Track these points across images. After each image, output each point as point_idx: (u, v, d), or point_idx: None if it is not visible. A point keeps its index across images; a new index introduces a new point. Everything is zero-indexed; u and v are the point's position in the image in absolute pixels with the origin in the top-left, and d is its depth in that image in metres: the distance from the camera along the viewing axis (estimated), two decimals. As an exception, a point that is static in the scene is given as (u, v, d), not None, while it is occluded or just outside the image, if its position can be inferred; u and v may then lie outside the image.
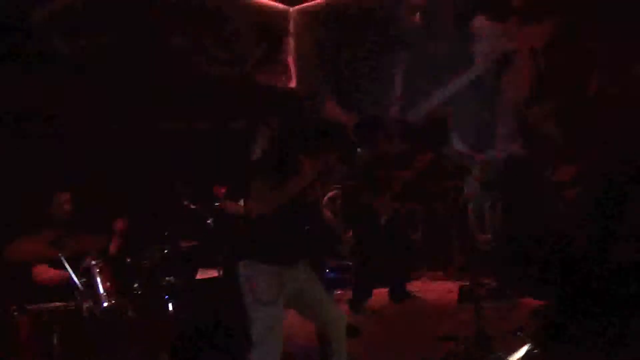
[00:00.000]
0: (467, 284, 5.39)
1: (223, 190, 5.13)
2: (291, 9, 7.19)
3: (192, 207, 4.30)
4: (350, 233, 5.54)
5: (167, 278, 4.15)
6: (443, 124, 6.23)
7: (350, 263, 5.59)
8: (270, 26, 6.90)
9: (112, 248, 4.31)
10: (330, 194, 6.42)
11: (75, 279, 3.60)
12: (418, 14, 6.43)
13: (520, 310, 4.90)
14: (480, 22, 6.07)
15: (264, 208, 2.94)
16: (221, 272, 4.24)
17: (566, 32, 5.62)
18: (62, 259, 3.62)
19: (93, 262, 3.85)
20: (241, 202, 4.06)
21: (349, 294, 5.42)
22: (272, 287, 2.96)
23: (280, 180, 2.95)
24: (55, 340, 3.50)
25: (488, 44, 6.04)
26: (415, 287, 5.82)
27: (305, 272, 3.13)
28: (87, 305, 3.62)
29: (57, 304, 3.67)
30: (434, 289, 5.84)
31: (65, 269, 3.58)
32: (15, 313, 3.57)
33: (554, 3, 5.67)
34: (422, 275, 6.20)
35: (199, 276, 4.58)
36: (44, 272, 3.96)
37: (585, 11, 5.50)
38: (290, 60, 7.18)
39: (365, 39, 6.67)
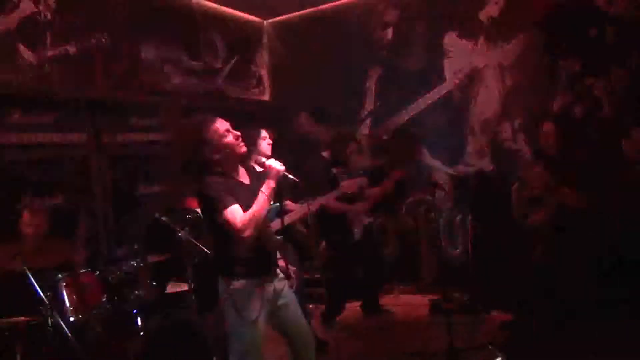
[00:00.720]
0: (438, 298, 5.51)
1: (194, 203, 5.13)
2: (265, 22, 7.21)
3: (163, 219, 4.23)
4: (323, 246, 5.56)
5: (135, 292, 4.07)
6: (414, 139, 6.32)
7: (322, 276, 5.57)
8: (243, 39, 6.90)
9: (77, 259, 4.22)
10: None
11: (40, 292, 3.52)
12: (390, 29, 6.51)
13: (490, 323, 4.96)
14: (450, 39, 6.19)
15: (245, 232, 2.90)
16: (192, 286, 4.17)
17: (533, 50, 5.78)
18: (27, 272, 3.53)
19: (59, 276, 3.76)
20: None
21: (320, 307, 5.43)
22: (255, 303, 2.95)
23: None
24: (18, 357, 3.41)
25: (458, 61, 6.15)
26: (387, 301, 5.86)
27: (282, 284, 3.12)
28: (52, 320, 3.53)
29: (20, 318, 3.57)
30: (406, 303, 5.86)
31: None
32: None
33: (521, 22, 5.83)
34: (394, 289, 6.21)
35: (169, 290, 4.49)
36: None
37: (551, 29, 5.68)
38: (264, 73, 7.20)
39: (339, 53, 6.73)
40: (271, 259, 3.14)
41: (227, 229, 2.91)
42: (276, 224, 3.54)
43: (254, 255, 3.01)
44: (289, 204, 4.33)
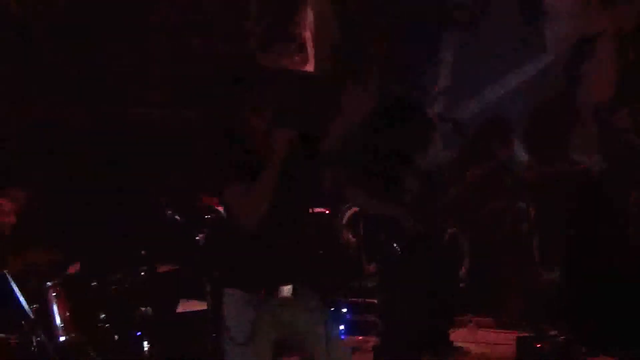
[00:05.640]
0: (527, 335, 5.43)
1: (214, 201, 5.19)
2: (311, -28, 7.25)
3: (177, 218, 4.30)
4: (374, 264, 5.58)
5: (141, 309, 4.13)
6: (502, 126, 6.25)
7: (376, 302, 5.57)
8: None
9: (72, 267, 4.32)
10: (351, 210, 6.48)
11: (25, 304, 3.61)
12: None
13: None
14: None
15: (246, 217, 2.92)
16: (210, 305, 4.22)
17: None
18: (8, 277, 3.63)
19: (48, 284, 3.85)
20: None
21: (374, 341, 5.46)
22: (247, 324, 2.96)
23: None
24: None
25: (563, 26, 6.09)
26: (458, 336, 5.84)
27: (302, 307, 3.11)
28: (37, 339, 3.61)
29: (-1, 335, 3.68)
30: (484, 340, 5.85)
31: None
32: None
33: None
34: (468, 321, 6.19)
35: (180, 309, 4.57)
36: None
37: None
38: (308, 36, 7.23)
39: (405, 13, 6.71)
40: (281, 272, 3.06)
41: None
42: None
43: (254, 257, 3.01)
44: None
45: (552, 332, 5.43)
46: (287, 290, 3.03)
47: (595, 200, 5.84)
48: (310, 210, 3.24)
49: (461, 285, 6.28)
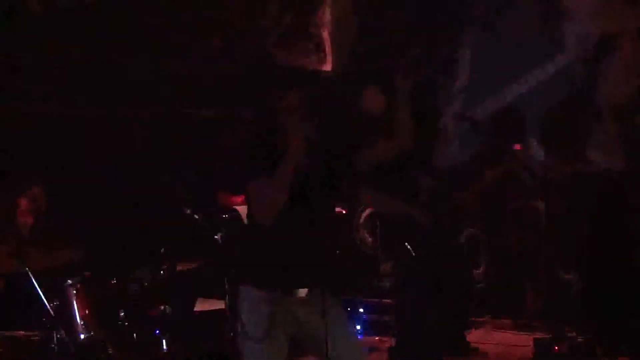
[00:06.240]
0: (545, 336, 5.45)
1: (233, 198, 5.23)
2: (329, -30, 7.25)
3: (196, 217, 4.33)
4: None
5: (160, 307, 4.16)
6: (521, 126, 6.24)
7: (392, 302, 5.55)
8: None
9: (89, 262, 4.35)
10: (367, 210, 6.48)
11: (45, 301, 3.63)
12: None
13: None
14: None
15: (261, 212, 2.95)
16: (229, 304, 4.24)
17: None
18: (29, 273, 3.65)
19: (69, 282, 3.88)
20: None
21: (390, 341, 5.42)
22: (262, 319, 2.97)
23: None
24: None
25: (583, 25, 6.05)
26: (475, 337, 5.84)
27: (317, 306, 3.10)
28: (58, 336, 3.63)
29: (19, 332, 3.70)
30: (501, 341, 5.83)
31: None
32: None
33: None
34: (485, 322, 6.18)
35: (199, 307, 4.59)
36: None
37: None
38: (325, 35, 7.23)
39: (422, 12, 6.70)
40: (300, 271, 3.04)
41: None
42: None
43: (272, 257, 3.00)
44: None
45: (570, 334, 5.43)
46: (302, 290, 3.04)
47: (614, 200, 5.80)
48: (330, 213, 3.21)
49: (478, 286, 6.28)
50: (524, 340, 5.65)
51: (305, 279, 3.02)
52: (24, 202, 4.26)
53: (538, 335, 5.58)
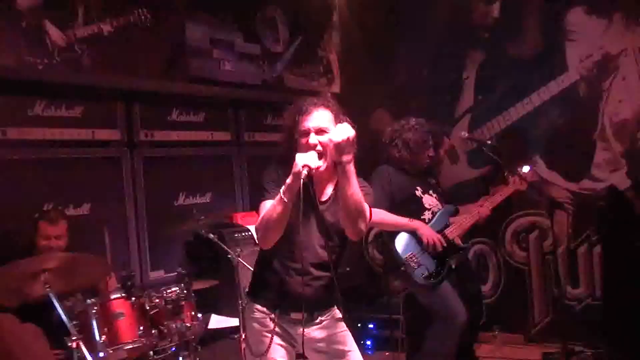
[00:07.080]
0: (553, 351, 5.49)
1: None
2: (336, -6, 7.34)
3: (211, 237, 4.43)
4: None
5: (176, 325, 4.25)
6: (525, 145, 6.29)
7: (402, 317, 5.61)
8: (309, 14, 7.03)
9: (111, 284, 4.46)
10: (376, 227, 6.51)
11: (67, 320, 3.71)
12: (497, 3, 6.51)
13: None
14: (575, 16, 6.13)
15: (257, 233, 3.00)
16: (242, 321, 4.33)
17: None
18: (51, 295, 3.74)
19: (89, 301, 3.98)
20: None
21: (400, 357, 5.47)
22: (263, 337, 3.03)
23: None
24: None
25: (585, 44, 6.08)
26: (484, 351, 5.86)
27: (321, 324, 3.14)
28: (78, 355, 3.70)
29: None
30: (510, 356, 5.85)
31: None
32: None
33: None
34: (495, 337, 6.19)
35: (214, 325, 4.67)
36: None
37: None
38: (333, 58, 7.31)
39: (429, 34, 6.78)
40: (309, 293, 3.01)
41: None
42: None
43: (277, 277, 3.04)
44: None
45: (579, 348, 5.44)
46: (298, 314, 2.98)
47: (619, 216, 5.82)
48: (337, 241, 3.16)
49: (487, 300, 6.29)
50: (533, 354, 5.70)
51: (301, 306, 2.95)
52: (43, 227, 4.31)
53: (547, 349, 5.63)
